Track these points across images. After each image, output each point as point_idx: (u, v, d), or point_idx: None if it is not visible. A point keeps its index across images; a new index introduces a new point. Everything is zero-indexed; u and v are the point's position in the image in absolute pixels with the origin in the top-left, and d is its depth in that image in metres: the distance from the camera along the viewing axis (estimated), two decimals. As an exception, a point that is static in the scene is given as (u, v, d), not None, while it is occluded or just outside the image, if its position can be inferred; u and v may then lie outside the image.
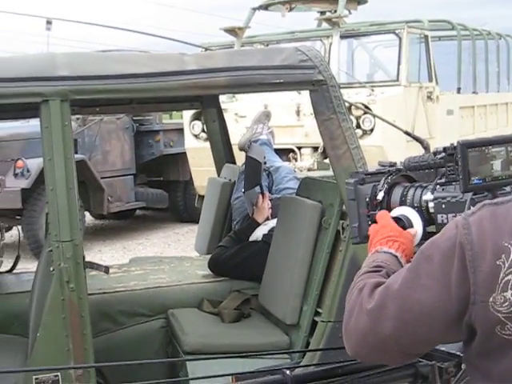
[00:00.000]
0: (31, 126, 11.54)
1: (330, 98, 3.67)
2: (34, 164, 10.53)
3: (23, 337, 4.20)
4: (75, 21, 6.18)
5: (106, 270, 3.76)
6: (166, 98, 5.42)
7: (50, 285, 3.46)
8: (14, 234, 11.86)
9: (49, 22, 8.05)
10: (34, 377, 3.40)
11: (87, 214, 12.72)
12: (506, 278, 1.61)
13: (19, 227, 9.93)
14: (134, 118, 12.79)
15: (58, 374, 3.39)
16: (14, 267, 5.27)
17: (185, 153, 11.86)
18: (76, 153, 10.55)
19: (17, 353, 3.99)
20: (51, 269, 3.44)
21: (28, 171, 10.60)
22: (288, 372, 2.36)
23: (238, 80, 3.58)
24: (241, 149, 5.67)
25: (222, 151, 5.82)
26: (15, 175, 10.60)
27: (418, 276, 1.73)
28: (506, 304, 1.62)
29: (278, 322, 4.13)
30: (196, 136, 11.10)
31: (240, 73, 3.57)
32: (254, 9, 11.27)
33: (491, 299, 1.63)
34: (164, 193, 13.40)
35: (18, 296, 4.52)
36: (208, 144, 6.01)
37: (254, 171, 4.84)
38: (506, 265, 1.61)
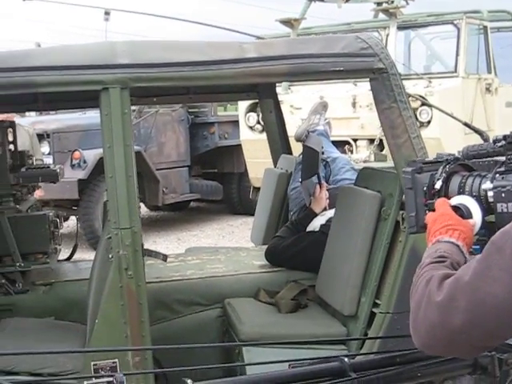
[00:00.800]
0: (88, 117, 11.68)
1: (391, 86, 3.62)
2: (91, 155, 10.65)
3: (81, 324, 4.24)
4: (133, 11, 6.20)
5: (164, 257, 3.77)
6: (223, 88, 5.41)
7: (108, 272, 3.48)
8: (70, 224, 12.04)
9: (107, 13, 8.10)
10: (93, 363, 3.43)
11: (142, 205, 12.84)
12: None
13: (76, 217, 10.06)
14: (189, 110, 12.85)
15: (116, 360, 3.40)
16: (71, 255, 5.33)
17: (239, 145, 11.86)
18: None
19: (75, 339, 4.03)
20: (110, 256, 3.46)
21: (85, 162, 10.72)
22: (346, 359, 2.33)
23: (298, 68, 3.55)
24: (297, 139, 5.63)
25: (279, 142, 5.79)
26: (72, 166, 10.72)
27: (489, 268, 1.68)
28: None
29: (336, 313, 4.09)
30: (251, 128, 11.09)
31: (300, 60, 3.54)
32: (310, 0, 11.20)
33: None
34: (218, 185, 13.43)
35: (76, 283, 4.57)
36: (263, 136, 6.00)
37: (312, 161, 4.81)
38: None
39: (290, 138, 5.79)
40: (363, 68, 3.64)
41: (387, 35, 10.11)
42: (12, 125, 4.86)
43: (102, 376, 2.27)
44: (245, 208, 13.17)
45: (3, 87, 3.43)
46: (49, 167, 5.01)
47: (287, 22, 10.63)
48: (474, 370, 2.94)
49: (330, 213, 4.61)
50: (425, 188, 2.24)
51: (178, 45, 3.67)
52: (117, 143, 3.42)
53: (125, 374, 1.96)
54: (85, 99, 5.22)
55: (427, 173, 2.28)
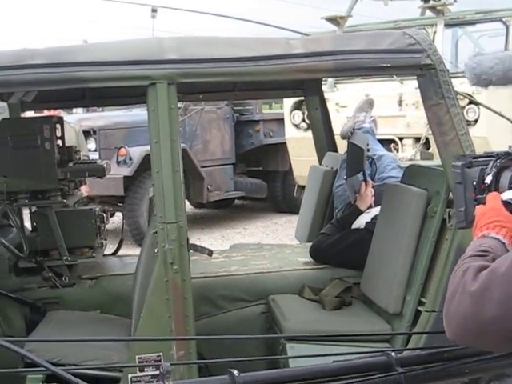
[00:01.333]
0: (134, 114, 11.78)
1: (439, 82, 3.58)
2: (137, 152, 10.72)
3: (126, 318, 4.28)
4: (180, 9, 6.22)
5: (210, 252, 3.78)
6: (269, 85, 5.42)
7: (154, 266, 3.50)
8: (115, 220, 12.14)
9: (154, 10, 8.14)
10: (137, 356, 3.45)
11: (187, 202, 12.89)
12: None
13: (122, 214, 10.15)
14: (235, 108, 12.87)
15: (161, 353, 3.42)
16: (117, 250, 5.38)
17: (284, 143, 11.84)
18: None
19: (120, 333, 4.07)
20: (155, 250, 3.48)
21: (130, 159, 10.79)
22: (393, 354, 2.31)
23: (345, 64, 3.54)
24: (343, 137, 5.61)
25: (324, 139, 5.78)
26: (118, 163, 10.79)
27: None
28: None
29: (380, 311, 4.07)
30: (296, 126, 11.07)
31: (346, 56, 3.53)
32: (357, -3, 11.14)
33: None
34: (263, 183, 13.44)
35: (122, 278, 4.61)
36: (308, 134, 5.99)
37: (357, 157, 4.79)
38: None
39: (335, 136, 5.77)
40: (411, 64, 3.61)
41: (434, 33, 10.01)
42: (60, 120, 4.92)
43: (148, 366, 2.27)
44: (289, 206, 13.17)
45: (52, 82, 3.47)
46: (96, 162, 5.05)
47: (333, 20, 10.58)
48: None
49: (376, 210, 4.58)
50: (474, 182, 2.21)
51: (225, 40, 3.68)
52: (163, 138, 3.44)
53: (171, 364, 1.96)
54: (131, 95, 5.30)
55: (477, 167, 2.25)
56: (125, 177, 10.70)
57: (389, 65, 3.55)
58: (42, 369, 2.15)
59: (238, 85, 5.40)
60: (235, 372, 2.08)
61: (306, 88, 5.53)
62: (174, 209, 3.44)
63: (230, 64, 3.49)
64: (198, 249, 3.73)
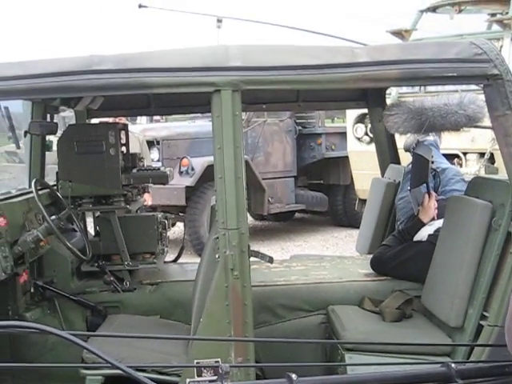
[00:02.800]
0: (197, 125, 11.89)
1: (506, 93, 3.52)
2: (199, 163, 10.80)
3: (185, 323, 4.30)
4: (244, 19, 6.25)
5: (271, 259, 3.78)
6: (332, 96, 5.41)
7: (214, 272, 3.51)
8: (176, 230, 12.23)
9: (219, 21, 8.21)
10: (196, 361, 3.46)
11: (247, 214, 12.89)
12: None
13: (183, 222, 10.22)
14: (297, 121, 12.88)
15: (219, 359, 3.42)
16: (178, 257, 5.42)
17: (346, 156, 11.80)
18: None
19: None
20: (216, 256, 3.49)
21: (192, 169, 10.87)
22: (453, 365, 2.27)
23: (410, 73, 3.50)
24: (406, 149, 5.56)
25: (387, 151, 5.74)
26: (180, 173, 10.88)
27: None
28: None
29: (441, 324, 4.01)
30: (359, 139, 11.02)
31: (412, 65, 3.49)
32: (422, 11, 11.07)
33: None
34: (324, 196, 13.39)
35: (182, 284, 4.64)
36: (370, 147, 5.96)
37: (421, 169, 4.73)
38: None
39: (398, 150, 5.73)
40: (477, 74, 3.55)
41: (501, 47, 9.87)
42: (125, 127, 4.99)
43: (206, 367, 2.27)
44: (350, 220, 13.11)
45: (119, 88, 3.52)
46: (159, 169, 5.10)
47: (398, 33, 10.54)
48: None
49: (439, 223, 4.52)
50: None
51: (290, 48, 3.68)
52: (227, 145, 3.45)
53: (230, 366, 1.96)
54: (195, 104, 5.34)
55: None
56: (187, 187, 10.77)
57: (455, 74, 3.51)
58: (105, 365, 2.15)
59: (301, 95, 5.40)
60: (293, 376, 2.07)
61: (370, 99, 5.49)
62: (235, 215, 3.44)
63: (294, 72, 3.48)
64: (258, 255, 3.73)
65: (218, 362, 3.43)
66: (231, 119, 3.45)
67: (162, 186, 9.62)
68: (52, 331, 1.80)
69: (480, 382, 2.30)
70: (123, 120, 6.82)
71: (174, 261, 5.43)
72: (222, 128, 3.45)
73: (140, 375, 2.05)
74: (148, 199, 7.45)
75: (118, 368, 2.03)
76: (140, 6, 8.90)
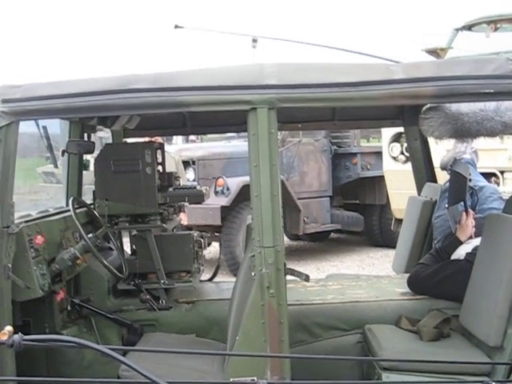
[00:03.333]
0: (233, 146, 11.93)
1: (543, 109, 3.49)
2: (234, 183, 10.81)
3: (221, 342, 4.30)
4: (280, 38, 6.27)
5: (307, 278, 3.76)
6: (368, 114, 5.40)
7: (250, 290, 3.50)
8: (211, 250, 12.24)
9: (254, 40, 8.26)
10: (232, 379, 3.45)
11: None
12: None
13: (219, 242, 10.23)
14: (332, 141, 12.86)
15: (255, 378, 3.41)
16: (214, 276, 5.42)
17: (382, 176, 11.76)
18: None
19: (215, 356, 4.08)
20: (252, 274, 3.48)
21: (228, 189, 10.89)
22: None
23: (446, 90, 3.47)
24: (443, 168, 5.54)
25: (423, 170, 5.71)
26: (216, 193, 10.90)
27: None
28: None
29: (480, 344, 3.95)
30: (394, 158, 10.98)
31: (448, 82, 3.46)
32: (457, 29, 11.03)
33: None
34: (359, 216, 13.31)
35: (218, 303, 4.64)
36: (406, 166, 5.94)
37: (459, 186, 4.70)
38: None
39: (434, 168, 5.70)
40: (514, 90, 3.52)
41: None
42: (161, 146, 5.01)
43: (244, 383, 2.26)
44: (386, 240, 13.02)
45: (155, 106, 3.55)
46: (195, 188, 5.12)
47: (433, 52, 10.50)
48: None
49: (476, 241, 4.48)
50: None
51: (324, 66, 3.68)
52: (263, 162, 3.45)
53: (268, 383, 1.95)
54: (231, 124, 5.36)
55: None
56: (222, 207, 10.78)
57: (492, 91, 3.47)
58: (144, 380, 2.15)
59: (337, 114, 5.39)
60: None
61: (406, 118, 5.47)
62: (271, 233, 3.44)
63: (330, 89, 3.48)
64: (294, 273, 3.72)
65: (253, 380, 3.42)
66: (267, 137, 3.46)
67: (197, 205, 9.74)
68: (90, 345, 1.81)
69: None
70: (159, 140, 6.85)
71: (210, 279, 5.43)
72: (258, 146, 3.46)
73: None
74: (184, 219, 7.48)
75: (153, 381, 2.03)
76: (176, 27, 8.98)
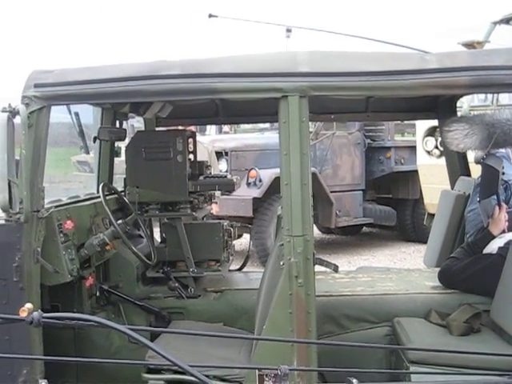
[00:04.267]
0: (266, 137, 11.89)
1: None
2: (267, 174, 10.78)
3: (249, 331, 4.28)
4: (313, 28, 6.22)
5: (336, 268, 3.73)
6: (402, 106, 5.33)
7: (278, 279, 3.48)
8: (242, 242, 12.23)
9: (288, 30, 8.22)
10: (258, 373, 3.42)
11: (314, 227, 12.85)
12: None
13: (250, 232, 10.22)
14: (366, 134, 12.78)
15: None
16: (243, 266, 5.41)
17: (415, 171, 11.66)
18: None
19: (242, 345, 4.07)
20: (281, 263, 3.46)
21: (260, 181, 10.86)
22: (522, 376, 2.18)
23: (481, 79, 3.42)
24: (477, 162, 5.45)
25: (457, 163, 5.63)
26: (248, 184, 10.88)
27: None
28: None
29: (511, 340, 3.89)
30: (428, 152, 10.88)
31: (483, 72, 3.41)
32: (495, 23, 10.87)
33: None
34: (392, 210, 13.21)
35: (247, 292, 4.63)
36: (440, 161, 5.85)
37: (491, 179, 4.63)
38: None
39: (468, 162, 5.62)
40: (552, 81, 3.45)
41: None
42: (193, 135, 5.00)
43: (267, 369, 2.24)
44: (418, 235, 12.92)
45: (186, 93, 3.54)
46: (226, 177, 5.10)
47: (470, 45, 10.36)
48: None
49: (509, 235, 4.41)
50: None
51: (358, 55, 3.64)
52: (293, 151, 3.42)
53: (290, 370, 1.93)
54: (263, 114, 5.32)
55: None
56: (254, 198, 10.76)
57: (528, 81, 3.41)
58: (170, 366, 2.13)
59: (370, 105, 5.33)
60: (354, 381, 2.02)
61: (440, 110, 5.40)
62: (301, 222, 3.41)
63: (363, 78, 3.44)
64: (323, 263, 3.69)
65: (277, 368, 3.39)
66: (298, 125, 3.43)
67: (229, 196, 9.72)
68: (111, 325, 1.80)
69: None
70: (192, 129, 6.85)
71: (240, 269, 5.42)
72: (289, 134, 3.43)
73: (206, 379, 2.03)
74: (215, 210, 7.48)
75: (183, 369, 2.02)
76: (210, 16, 8.97)
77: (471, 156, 5.52)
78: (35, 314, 1.69)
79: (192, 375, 2.10)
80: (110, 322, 1.82)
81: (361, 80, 3.44)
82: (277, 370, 2.02)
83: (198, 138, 5.88)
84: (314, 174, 11.04)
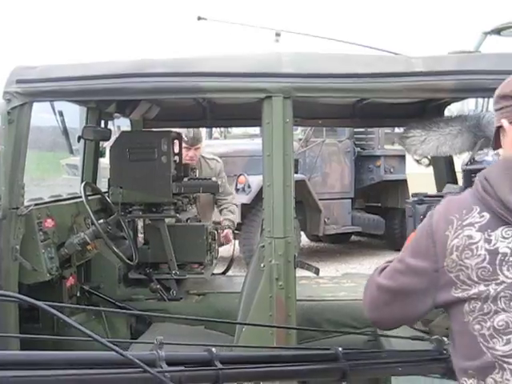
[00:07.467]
0: (255, 143, 11.84)
1: None
2: (255, 180, 10.75)
3: (230, 335, 4.24)
4: (304, 33, 6.21)
5: (317, 271, 3.71)
6: (390, 112, 5.31)
7: (259, 281, 3.45)
8: (229, 248, 12.17)
9: (277, 34, 8.21)
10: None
11: (303, 234, 12.82)
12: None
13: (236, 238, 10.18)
14: (356, 142, 12.78)
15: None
16: (227, 270, 5.38)
17: (404, 180, 11.64)
18: (296, 173, 10.67)
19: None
20: (262, 265, 3.43)
21: (249, 187, 10.85)
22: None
23: (467, 84, 3.40)
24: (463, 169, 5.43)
25: (444, 170, 5.62)
26: (237, 190, 10.84)
27: None
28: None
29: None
30: (418, 161, 10.85)
31: (470, 76, 3.39)
32: (486, 33, 10.87)
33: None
34: (381, 219, 13.18)
35: (229, 296, 4.59)
36: (429, 170, 5.83)
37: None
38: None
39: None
40: (538, 88, 3.43)
41: None
42: (178, 136, 4.96)
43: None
44: (406, 244, 12.89)
45: (170, 91, 3.51)
46: (210, 179, 5.06)
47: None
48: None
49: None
50: (421, 217, 2.63)
51: (343, 57, 3.61)
52: (276, 152, 3.40)
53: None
54: (251, 117, 5.25)
55: (425, 205, 2.92)
56: (243, 204, 10.72)
57: (514, 87, 3.38)
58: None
59: (357, 111, 5.30)
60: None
61: (428, 117, 5.36)
62: (282, 224, 3.39)
63: (347, 80, 3.41)
64: (304, 266, 3.66)
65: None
66: (281, 126, 3.40)
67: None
68: (34, 302, 1.82)
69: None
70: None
71: (223, 273, 5.38)
72: (272, 135, 3.40)
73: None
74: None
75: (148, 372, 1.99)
76: (199, 18, 8.95)
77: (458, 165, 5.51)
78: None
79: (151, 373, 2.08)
80: (31, 300, 1.86)
81: (345, 82, 3.42)
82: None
83: (204, 147, 5.92)
84: (303, 181, 11.03)
